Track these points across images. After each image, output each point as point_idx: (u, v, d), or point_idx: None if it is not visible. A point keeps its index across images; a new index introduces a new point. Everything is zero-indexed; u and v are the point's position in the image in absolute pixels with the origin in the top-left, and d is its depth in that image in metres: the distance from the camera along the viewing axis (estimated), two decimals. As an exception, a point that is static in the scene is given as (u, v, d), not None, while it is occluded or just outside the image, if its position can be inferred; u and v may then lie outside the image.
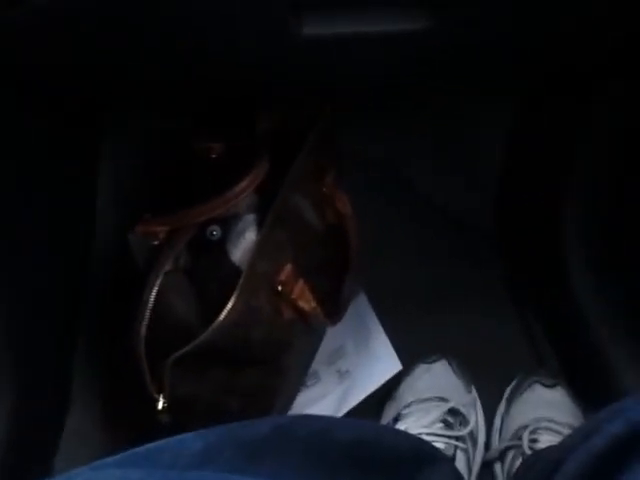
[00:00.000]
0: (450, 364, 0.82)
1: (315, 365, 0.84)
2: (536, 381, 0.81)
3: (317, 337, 0.83)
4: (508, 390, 0.82)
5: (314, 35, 0.55)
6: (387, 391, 0.83)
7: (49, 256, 0.78)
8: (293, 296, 0.71)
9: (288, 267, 0.71)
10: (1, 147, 0.68)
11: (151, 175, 0.86)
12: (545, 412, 0.77)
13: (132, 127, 0.90)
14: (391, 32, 0.56)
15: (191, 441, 0.47)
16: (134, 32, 0.58)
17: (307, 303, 0.72)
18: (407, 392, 0.80)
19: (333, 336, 0.85)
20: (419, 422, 0.75)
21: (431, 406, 0.77)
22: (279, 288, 0.70)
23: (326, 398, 0.83)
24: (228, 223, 0.73)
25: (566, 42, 0.65)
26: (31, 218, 0.75)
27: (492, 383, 0.83)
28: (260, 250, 0.70)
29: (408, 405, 0.78)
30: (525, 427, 0.76)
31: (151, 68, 0.67)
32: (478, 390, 0.82)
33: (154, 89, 0.76)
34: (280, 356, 0.73)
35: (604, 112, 0.79)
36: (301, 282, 0.72)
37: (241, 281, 0.67)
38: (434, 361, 0.82)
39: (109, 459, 0.45)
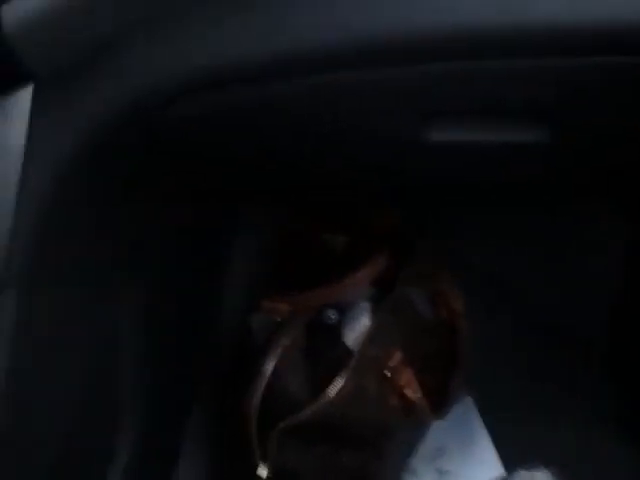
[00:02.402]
0: (553, 475, 0.81)
1: (414, 462, 0.85)
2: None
3: (419, 430, 0.84)
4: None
5: (440, 142, 0.61)
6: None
7: (177, 325, 0.83)
8: (400, 383, 0.74)
9: (398, 354, 0.74)
10: (142, 228, 0.73)
11: (275, 259, 0.92)
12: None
13: (262, 218, 0.97)
14: (512, 142, 0.61)
15: None
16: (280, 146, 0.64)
17: (413, 393, 0.75)
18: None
19: (435, 434, 0.86)
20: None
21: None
22: (388, 374, 0.73)
23: (423, 496, 0.84)
24: (344, 308, 0.77)
25: None
26: (165, 293, 0.81)
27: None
28: (372, 334, 0.73)
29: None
30: None
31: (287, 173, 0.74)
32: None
33: (285, 187, 0.83)
34: (381, 441, 0.76)
35: None
36: (409, 371, 0.74)
37: (352, 361, 0.71)
38: (535, 469, 0.81)
39: None
